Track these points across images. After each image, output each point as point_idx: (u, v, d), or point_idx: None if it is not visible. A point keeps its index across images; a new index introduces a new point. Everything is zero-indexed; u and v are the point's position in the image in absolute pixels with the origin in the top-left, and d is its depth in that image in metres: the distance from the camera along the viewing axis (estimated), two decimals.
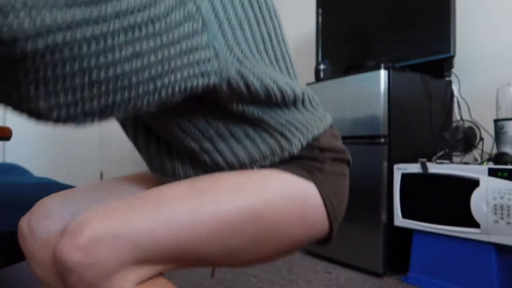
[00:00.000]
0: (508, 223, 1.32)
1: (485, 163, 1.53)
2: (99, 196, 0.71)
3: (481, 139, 1.58)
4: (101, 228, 0.50)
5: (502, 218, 1.33)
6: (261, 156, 0.63)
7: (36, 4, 0.41)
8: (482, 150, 1.59)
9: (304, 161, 0.64)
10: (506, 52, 1.76)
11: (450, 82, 1.92)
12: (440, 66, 1.86)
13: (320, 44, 2.36)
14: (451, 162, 1.67)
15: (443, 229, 1.50)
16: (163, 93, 0.49)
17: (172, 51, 0.48)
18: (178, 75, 0.49)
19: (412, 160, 1.72)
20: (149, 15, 0.46)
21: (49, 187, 0.96)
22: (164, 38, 0.47)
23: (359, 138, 1.80)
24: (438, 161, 1.65)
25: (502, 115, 1.53)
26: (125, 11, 0.44)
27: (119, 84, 0.46)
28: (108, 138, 4.04)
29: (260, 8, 0.61)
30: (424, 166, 1.57)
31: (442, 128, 1.80)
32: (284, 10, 3.13)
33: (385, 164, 1.69)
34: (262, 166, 0.64)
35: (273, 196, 0.59)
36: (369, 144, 1.74)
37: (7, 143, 3.52)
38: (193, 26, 0.49)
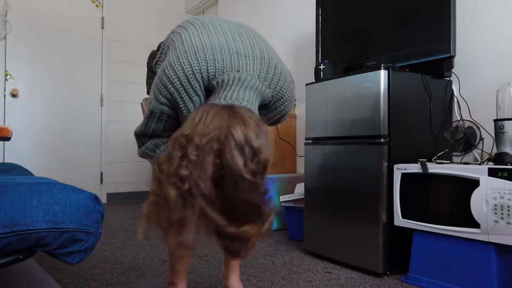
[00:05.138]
0: (508, 223, 1.32)
1: (485, 163, 1.53)
2: None
3: (481, 139, 1.58)
4: None
5: (502, 218, 1.33)
6: None
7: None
8: (482, 150, 1.59)
9: None
10: (506, 52, 1.76)
11: (450, 82, 1.92)
12: (440, 66, 1.86)
13: (320, 44, 2.36)
14: (451, 162, 1.67)
15: (443, 229, 1.50)
16: None
17: None
18: None
19: (412, 160, 1.72)
20: None
21: (49, 187, 0.95)
22: None
23: (359, 138, 1.80)
24: (438, 161, 1.65)
25: (502, 115, 1.53)
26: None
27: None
28: (108, 138, 4.04)
29: None
30: (424, 166, 1.57)
31: (442, 128, 1.80)
32: (284, 10, 3.13)
33: (385, 164, 1.69)
34: None
35: None
36: (369, 144, 1.74)
37: (7, 143, 3.52)
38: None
